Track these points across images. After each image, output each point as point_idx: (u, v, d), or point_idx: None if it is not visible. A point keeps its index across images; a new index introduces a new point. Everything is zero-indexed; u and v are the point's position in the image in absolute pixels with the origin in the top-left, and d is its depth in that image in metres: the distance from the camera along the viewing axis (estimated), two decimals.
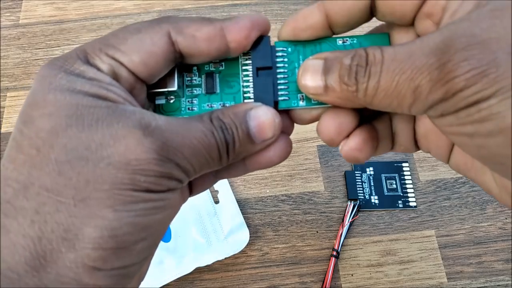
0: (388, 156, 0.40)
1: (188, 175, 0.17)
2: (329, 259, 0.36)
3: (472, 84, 0.14)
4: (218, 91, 0.20)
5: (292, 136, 0.45)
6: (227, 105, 0.20)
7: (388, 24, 0.20)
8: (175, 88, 0.19)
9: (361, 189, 0.39)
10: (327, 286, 0.35)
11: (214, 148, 0.17)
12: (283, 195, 0.39)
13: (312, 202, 0.39)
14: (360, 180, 0.39)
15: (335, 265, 0.36)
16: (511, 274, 0.36)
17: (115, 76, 0.17)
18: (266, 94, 0.19)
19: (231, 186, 0.39)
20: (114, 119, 0.15)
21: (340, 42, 0.20)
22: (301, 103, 0.20)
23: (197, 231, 0.37)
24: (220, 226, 0.37)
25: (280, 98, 0.20)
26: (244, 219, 0.37)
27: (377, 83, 0.16)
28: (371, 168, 0.40)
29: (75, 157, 0.15)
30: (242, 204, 0.39)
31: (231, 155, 0.18)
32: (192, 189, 0.21)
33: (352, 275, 0.36)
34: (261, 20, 0.19)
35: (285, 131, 0.20)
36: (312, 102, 0.19)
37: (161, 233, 0.17)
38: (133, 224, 0.15)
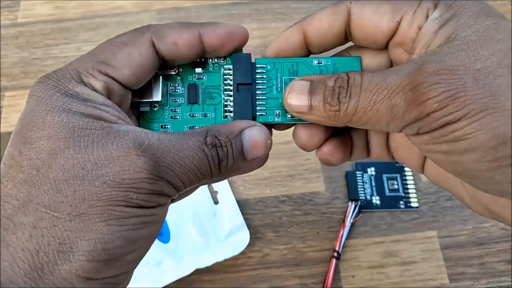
0: None
1: (178, 190, 0.18)
2: (330, 261, 0.36)
3: (444, 106, 0.15)
4: (200, 101, 0.21)
5: None
6: (208, 115, 0.21)
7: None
8: (159, 98, 0.20)
9: (362, 189, 0.38)
10: (328, 286, 0.35)
11: (205, 165, 0.18)
12: (284, 196, 0.39)
13: (313, 202, 0.38)
14: (361, 181, 0.39)
15: (336, 266, 0.36)
16: None
17: (109, 92, 0.18)
18: (245, 109, 0.21)
19: (231, 186, 0.39)
20: (108, 140, 0.16)
21: (315, 62, 0.21)
22: (276, 118, 0.21)
23: (196, 232, 0.37)
24: (220, 227, 0.37)
25: (258, 113, 0.21)
26: (244, 220, 0.37)
27: (356, 102, 0.17)
28: (372, 169, 0.39)
29: (72, 176, 0.16)
30: (242, 204, 0.38)
31: (223, 171, 0.19)
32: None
33: (353, 276, 0.36)
34: (239, 30, 0.20)
35: None
36: (287, 118, 0.21)
37: (149, 245, 0.18)
38: (125, 238, 0.16)
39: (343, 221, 0.37)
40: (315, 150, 0.22)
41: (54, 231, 0.15)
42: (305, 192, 0.39)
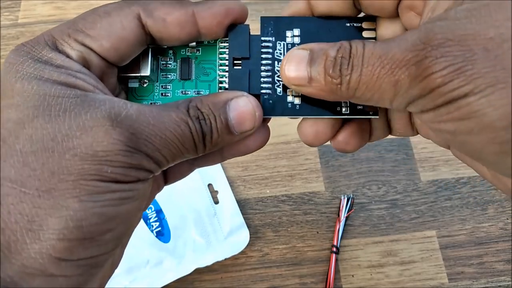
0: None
1: (160, 165, 0.16)
2: (330, 256, 0.36)
3: (449, 81, 0.14)
4: (193, 77, 0.20)
5: (292, 136, 0.44)
6: (202, 93, 0.19)
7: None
8: (147, 73, 0.19)
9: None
10: (330, 281, 0.35)
11: (189, 139, 0.17)
12: (283, 196, 0.39)
13: (312, 202, 0.39)
14: None
15: (336, 264, 0.36)
16: None
17: (85, 63, 0.17)
18: (242, 85, 0.19)
19: (231, 186, 0.39)
20: (82, 110, 0.15)
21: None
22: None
23: (196, 231, 0.37)
24: (220, 227, 0.37)
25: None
26: (244, 219, 0.37)
27: (359, 76, 0.16)
28: None
29: (40, 148, 0.14)
30: (242, 204, 0.38)
31: (208, 145, 0.17)
32: (167, 178, 0.21)
33: (352, 276, 0.36)
34: (237, 8, 0.18)
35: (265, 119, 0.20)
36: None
37: (132, 223, 0.17)
38: (99, 215, 0.15)
39: (338, 215, 0.37)
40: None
41: (21, 208, 0.14)
42: (305, 191, 0.39)
